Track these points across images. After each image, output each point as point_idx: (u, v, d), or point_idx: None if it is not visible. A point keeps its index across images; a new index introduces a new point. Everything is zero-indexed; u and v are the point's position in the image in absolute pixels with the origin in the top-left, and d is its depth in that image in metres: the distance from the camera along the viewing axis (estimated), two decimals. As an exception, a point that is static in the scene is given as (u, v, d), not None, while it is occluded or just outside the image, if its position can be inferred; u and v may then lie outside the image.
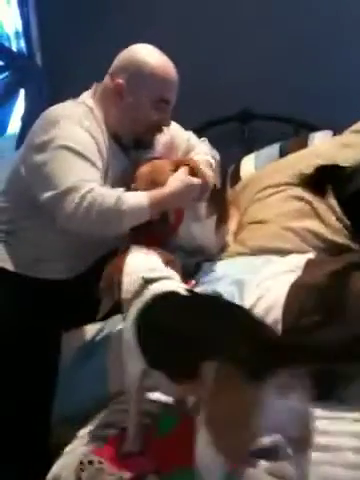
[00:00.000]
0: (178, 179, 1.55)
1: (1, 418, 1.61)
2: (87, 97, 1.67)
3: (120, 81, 1.60)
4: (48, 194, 1.45)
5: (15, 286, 1.62)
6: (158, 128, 1.66)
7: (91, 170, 1.50)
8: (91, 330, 1.63)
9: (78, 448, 1.27)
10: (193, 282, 1.69)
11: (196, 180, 1.56)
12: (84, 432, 1.35)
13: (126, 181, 1.62)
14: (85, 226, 1.46)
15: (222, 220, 1.97)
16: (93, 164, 1.51)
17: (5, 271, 1.62)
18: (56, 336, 1.66)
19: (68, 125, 1.53)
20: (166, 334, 1.12)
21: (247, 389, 0.95)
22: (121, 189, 1.50)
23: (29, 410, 1.60)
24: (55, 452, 1.35)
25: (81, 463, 1.16)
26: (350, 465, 1.16)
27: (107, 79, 1.65)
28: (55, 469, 1.23)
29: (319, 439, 1.22)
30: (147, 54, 1.63)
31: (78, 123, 1.55)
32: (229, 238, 1.98)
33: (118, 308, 1.57)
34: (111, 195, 1.46)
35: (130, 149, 1.67)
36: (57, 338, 1.66)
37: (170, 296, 1.20)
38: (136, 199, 1.48)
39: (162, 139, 1.74)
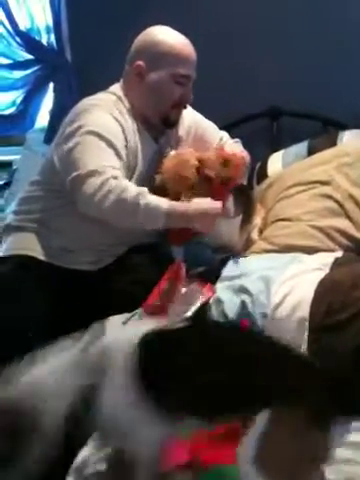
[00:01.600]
0: (206, 202, 1.54)
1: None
2: (115, 87, 1.70)
3: (139, 62, 1.62)
4: (72, 175, 1.48)
5: (43, 275, 1.64)
6: (182, 104, 1.71)
7: (115, 158, 1.52)
8: (115, 323, 1.64)
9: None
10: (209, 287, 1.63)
11: (219, 205, 1.55)
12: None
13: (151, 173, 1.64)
14: (101, 211, 1.48)
15: (248, 218, 1.97)
16: (118, 153, 1.54)
17: (35, 260, 1.65)
18: (80, 327, 1.67)
19: (97, 112, 1.58)
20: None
21: (315, 433, 0.91)
22: (145, 188, 1.52)
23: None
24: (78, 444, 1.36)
25: (112, 458, 1.16)
26: None
27: (127, 66, 1.68)
28: (82, 456, 1.23)
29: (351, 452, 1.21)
30: (162, 33, 1.69)
31: (107, 111, 1.59)
32: (254, 235, 1.98)
33: (134, 300, 1.58)
34: (133, 188, 1.48)
35: (159, 136, 1.68)
36: (81, 329, 1.67)
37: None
38: (156, 201, 1.50)
39: (186, 120, 1.78)
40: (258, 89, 2.46)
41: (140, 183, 1.64)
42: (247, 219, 1.96)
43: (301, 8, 2.41)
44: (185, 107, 1.73)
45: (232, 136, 2.45)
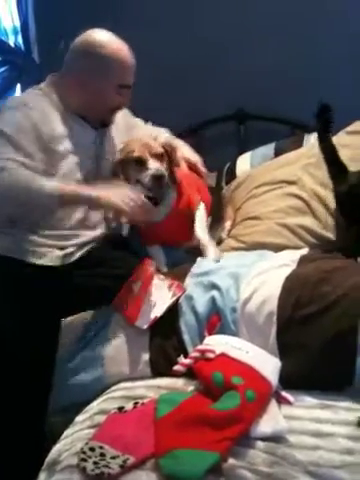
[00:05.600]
0: (116, 195, 1.58)
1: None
2: (45, 83, 1.76)
3: (82, 71, 1.69)
4: None
5: (10, 272, 1.62)
6: (119, 109, 1.80)
7: (13, 151, 1.56)
8: (88, 318, 1.64)
9: (76, 433, 1.28)
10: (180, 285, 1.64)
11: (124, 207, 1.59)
12: (80, 419, 1.36)
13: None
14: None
15: (218, 219, 2.00)
16: (21, 149, 1.57)
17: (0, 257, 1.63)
18: (53, 324, 1.66)
19: (10, 112, 1.63)
20: None
21: None
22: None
23: (26, 400, 1.61)
24: (51, 441, 1.36)
25: (83, 452, 1.16)
26: (342, 450, 1.19)
27: (66, 67, 1.74)
28: (54, 453, 1.24)
29: (314, 426, 1.27)
30: (105, 41, 1.70)
31: (23, 108, 1.62)
32: (223, 234, 2.00)
33: (113, 295, 1.59)
34: (27, 174, 1.53)
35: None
36: (54, 326, 1.66)
37: None
38: (51, 183, 1.54)
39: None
40: (225, 92, 2.50)
41: (78, 167, 1.69)
42: (218, 220, 2.00)
43: (269, 12, 2.47)
44: (121, 109, 1.82)
45: (200, 138, 2.51)
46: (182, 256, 1.87)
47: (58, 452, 1.24)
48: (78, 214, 1.71)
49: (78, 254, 1.69)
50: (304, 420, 1.29)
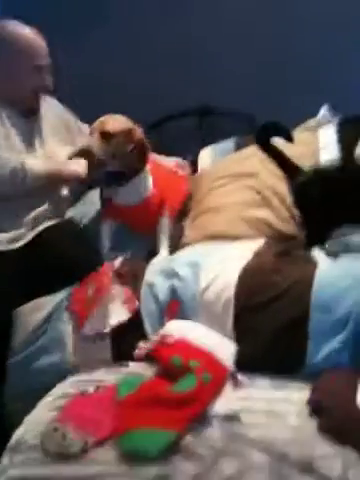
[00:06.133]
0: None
1: None
2: None
3: None
4: None
5: None
6: (41, 91, 1.88)
7: None
8: (46, 303, 1.67)
9: (38, 416, 1.32)
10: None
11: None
12: (43, 402, 1.40)
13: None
14: None
15: (183, 214, 2.08)
16: None
17: None
18: (7, 311, 1.68)
19: None
20: None
21: None
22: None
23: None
24: (13, 428, 1.38)
25: (45, 433, 1.21)
26: (293, 428, 1.26)
27: None
28: (17, 434, 1.27)
29: (267, 405, 1.34)
30: (9, 27, 1.82)
31: None
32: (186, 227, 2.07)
33: (73, 277, 1.63)
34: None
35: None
36: (7, 313, 1.68)
37: None
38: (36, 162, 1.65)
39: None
40: (188, 87, 2.55)
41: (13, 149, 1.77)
42: (181, 216, 2.07)
43: (236, 8, 2.52)
44: (45, 93, 1.90)
45: (163, 132, 2.56)
46: (136, 243, 1.95)
47: (21, 434, 1.28)
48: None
49: (29, 236, 1.73)
50: (258, 400, 1.36)
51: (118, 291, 1.64)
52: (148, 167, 1.95)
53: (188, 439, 1.20)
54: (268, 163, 2.09)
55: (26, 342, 1.64)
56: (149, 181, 1.94)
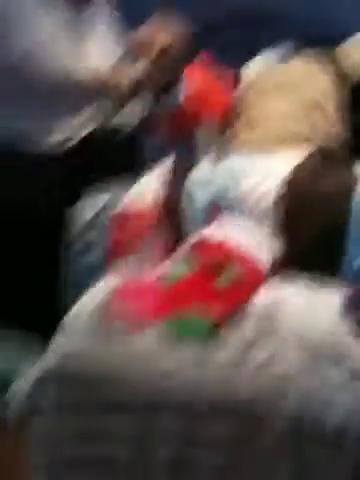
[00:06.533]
0: None
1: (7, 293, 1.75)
2: None
3: None
4: None
5: (9, 162, 1.70)
6: None
7: None
8: (92, 204, 1.74)
9: (89, 298, 1.41)
10: None
11: None
12: (93, 288, 1.48)
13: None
14: None
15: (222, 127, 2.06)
16: None
17: None
18: (57, 211, 1.76)
19: None
20: None
21: None
22: None
23: (35, 280, 1.74)
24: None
25: (94, 312, 1.30)
26: (327, 327, 1.30)
27: None
28: (68, 315, 1.37)
29: (302, 305, 1.39)
30: None
31: None
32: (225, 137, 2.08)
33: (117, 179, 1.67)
34: None
35: None
36: (58, 213, 1.77)
37: None
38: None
39: None
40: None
41: None
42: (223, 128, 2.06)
43: None
44: None
45: (207, 42, 2.48)
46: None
47: (72, 314, 1.38)
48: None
49: (76, 139, 1.76)
50: (294, 300, 1.42)
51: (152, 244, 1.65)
52: (187, 73, 1.92)
53: (224, 331, 1.28)
54: (314, 76, 2.06)
55: (76, 238, 1.73)
56: (188, 88, 1.92)
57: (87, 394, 1.16)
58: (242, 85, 2.27)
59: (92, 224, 1.71)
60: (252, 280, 1.40)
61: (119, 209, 1.71)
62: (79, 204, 1.74)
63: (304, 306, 1.39)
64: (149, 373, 1.15)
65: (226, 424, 1.09)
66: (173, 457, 1.12)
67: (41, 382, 1.19)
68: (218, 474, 1.09)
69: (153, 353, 1.20)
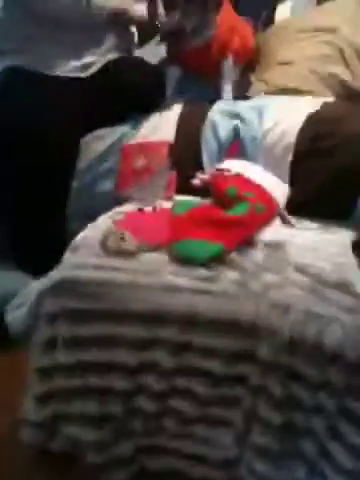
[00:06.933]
0: None
1: (19, 212, 1.77)
2: None
3: None
4: None
5: (32, 84, 1.69)
6: None
7: None
8: (110, 133, 1.74)
9: (100, 224, 1.42)
10: None
11: None
12: (105, 215, 1.50)
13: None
14: None
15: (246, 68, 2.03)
16: None
17: (22, 70, 1.69)
18: (74, 137, 1.76)
19: None
20: None
21: None
22: None
23: (46, 205, 1.75)
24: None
25: (106, 234, 1.32)
26: (334, 263, 1.30)
27: None
28: (80, 235, 1.39)
29: (311, 242, 1.40)
30: None
31: None
32: (252, 77, 2.04)
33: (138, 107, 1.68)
34: None
35: None
36: (74, 140, 1.76)
37: None
38: None
39: None
40: None
41: None
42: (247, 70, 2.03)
43: None
44: None
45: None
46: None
47: (83, 236, 1.40)
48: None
49: (99, 64, 1.75)
50: (304, 238, 1.42)
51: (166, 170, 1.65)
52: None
53: (234, 255, 1.29)
54: (351, 19, 2.00)
55: (89, 168, 1.73)
56: (213, 22, 1.88)
57: (96, 302, 1.18)
58: (274, 26, 2.22)
59: (106, 154, 1.71)
60: (265, 213, 1.40)
61: (133, 141, 1.72)
62: (96, 133, 1.74)
63: (313, 240, 1.39)
64: (157, 285, 1.17)
65: (226, 337, 1.11)
66: (173, 365, 1.14)
67: (53, 289, 1.21)
68: (213, 382, 1.12)
69: (163, 268, 1.22)
